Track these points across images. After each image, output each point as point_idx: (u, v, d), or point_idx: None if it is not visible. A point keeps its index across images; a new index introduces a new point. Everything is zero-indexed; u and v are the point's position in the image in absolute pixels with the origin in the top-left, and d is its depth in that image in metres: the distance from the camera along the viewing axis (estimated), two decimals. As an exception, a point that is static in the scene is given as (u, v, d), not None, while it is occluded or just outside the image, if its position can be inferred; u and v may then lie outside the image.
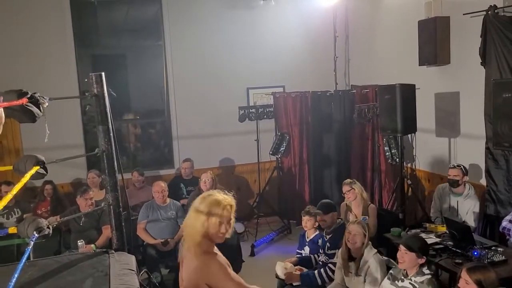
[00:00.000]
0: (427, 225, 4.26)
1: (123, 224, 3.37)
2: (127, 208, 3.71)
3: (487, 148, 4.41)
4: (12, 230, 2.52)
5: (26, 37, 5.69)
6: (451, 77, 4.95)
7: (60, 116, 5.43)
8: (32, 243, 2.27)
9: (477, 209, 4.30)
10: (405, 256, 3.10)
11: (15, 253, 4.65)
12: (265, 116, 6.50)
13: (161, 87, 6.56)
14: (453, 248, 3.67)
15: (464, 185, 4.34)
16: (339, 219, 4.14)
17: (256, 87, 6.64)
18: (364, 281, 3.42)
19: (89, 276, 2.86)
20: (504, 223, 3.85)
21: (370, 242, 3.55)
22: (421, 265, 3.12)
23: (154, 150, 7.12)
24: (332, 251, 3.89)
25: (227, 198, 2.22)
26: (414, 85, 4.66)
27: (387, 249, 4.18)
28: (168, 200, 5.04)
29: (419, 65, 5.10)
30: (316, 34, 6.74)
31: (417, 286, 3.06)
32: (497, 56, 4.18)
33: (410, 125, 4.61)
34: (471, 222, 4.23)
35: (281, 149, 6.22)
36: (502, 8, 4.15)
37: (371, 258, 3.45)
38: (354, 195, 4.63)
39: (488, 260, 3.33)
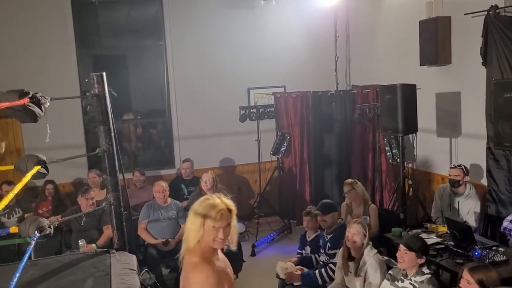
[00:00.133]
0: (428, 225, 4.26)
1: (124, 224, 3.37)
2: (128, 208, 3.72)
3: (488, 148, 4.41)
4: (13, 229, 2.53)
5: (27, 37, 5.70)
6: (452, 77, 4.95)
7: (61, 116, 5.44)
8: (33, 242, 2.28)
9: (478, 209, 4.29)
10: (404, 256, 3.10)
11: (16, 253, 4.66)
12: (266, 116, 6.50)
13: (162, 87, 6.56)
14: (454, 248, 3.67)
15: (465, 185, 4.33)
16: (340, 219, 4.13)
17: (257, 87, 6.64)
18: (364, 282, 3.41)
19: (90, 276, 2.86)
20: (505, 223, 3.85)
21: (370, 242, 3.55)
22: (421, 265, 3.12)
23: (155, 150, 7.12)
24: (333, 251, 3.89)
25: (224, 202, 2.10)
26: (415, 85, 4.66)
27: (388, 249, 4.18)
28: (169, 200, 5.04)
29: (420, 65, 5.10)
30: (317, 34, 6.74)
31: (417, 286, 3.06)
32: (498, 56, 4.18)
33: (411, 125, 4.61)
34: (472, 222, 4.23)
35: (282, 149, 6.22)
36: (503, 8, 4.15)
37: (371, 258, 3.44)
38: (355, 195, 4.63)
39: (489, 260, 3.33)
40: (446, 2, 4.88)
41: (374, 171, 6.11)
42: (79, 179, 5.97)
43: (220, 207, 2.05)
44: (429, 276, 3.06)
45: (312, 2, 6.61)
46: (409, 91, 4.59)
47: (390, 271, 3.34)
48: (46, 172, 2.55)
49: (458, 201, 4.35)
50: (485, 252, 3.44)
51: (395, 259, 3.36)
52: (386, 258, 3.70)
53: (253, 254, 5.60)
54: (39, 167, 2.51)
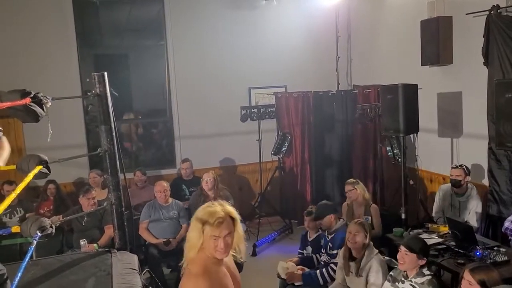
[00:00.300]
0: (429, 225, 4.26)
1: (125, 223, 3.38)
2: (130, 207, 3.73)
3: (489, 148, 4.40)
4: (15, 229, 2.53)
5: (29, 37, 5.70)
6: (453, 77, 4.94)
7: (63, 116, 5.44)
8: (35, 242, 2.28)
9: (479, 210, 4.29)
10: (405, 257, 3.09)
11: (18, 252, 4.66)
12: (267, 116, 6.50)
13: (163, 87, 6.57)
14: (455, 249, 3.67)
15: (467, 185, 4.33)
16: (341, 219, 4.13)
17: (258, 87, 6.64)
18: (366, 282, 3.41)
19: (92, 275, 2.87)
20: (507, 223, 3.84)
21: (371, 242, 3.55)
22: (421, 266, 3.11)
23: (156, 149, 7.13)
24: (334, 251, 3.89)
25: (225, 209, 1.98)
26: (416, 85, 4.65)
27: (389, 249, 4.18)
28: (170, 200, 5.04)
29: (422, 65, 5.09)
30: (318, 34, 6.73)
31: (418, 287, 3.06)
32: (500, 56, 4.18)
33: (412, 125, 4.60)
34: (473, 222, 4.22)
35: (283, 149, 6.22)
36: (505, 8, 4.14)
37: (373, 258, 3.44)
38: (355, 195, 4.63)
39: (491, 261, 3.33)
40: (448, 2, 4.87)
41: (375, 171, 6.11)
42: (80, 179, 5.97)
43: (219, 214, 1.95)
44: (429, 277, 3.06)
45: (314, 2, 6.60)
46: (411, 91, 4.58)
47: (391, 272, 3.33)
48: (47, 172, 2.55)
49: (460, 201, 4.35)
50: (486, 252, 3.44)
51: (396, 259, 3.36)
52: (387, 258, 3.70)
53: (254, 254, 5.60)
54: (40, 167, 2.52)
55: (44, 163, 2.50)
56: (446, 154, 5.11)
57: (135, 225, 4.80)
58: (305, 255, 4.30)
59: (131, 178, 5.66)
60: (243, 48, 6.49)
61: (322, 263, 4.03)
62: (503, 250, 3.56)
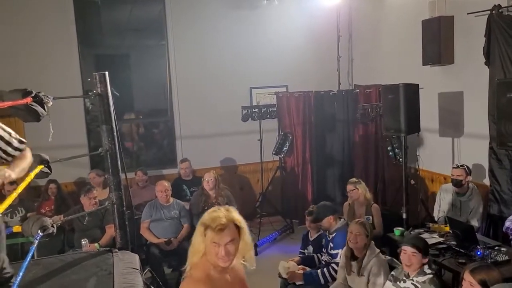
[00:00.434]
0: (431, 225, 4.26)
1: (126, 223, 3.38)
2: (131, 207, 3.73)
3: (490, 148, 4.40)
4: (16, 228, 2.54)
5: (30, 37, 5.71)
6: (455, 77, 4.94)
7: (64, 115, 5.44)
8: (36, 241, 2.29)
9: (480, 209, 4.29)
10: (413, 258, 3.07)
11: (19, 252, 4.67)
12: (268, 116, 6.49)
13: (164, 86, 6.57)
14: (456, 248, 3.68)
15: (468, 185, 4.32)
16: (341, 219, 4.12)
17: (259, 86, 6.64)
18: (368, 282, 3.41)
19: (93, 275, 2.87)
20: (508, 223, 3.84)
21: (373, 242, 3.54)
22: (422, 265, 3.12)
23: (157, 149, 7.13)
24: (335, 251, 3.88)
25: (229, 216, 1.91)
26: (417, 85, 4.65)
27: (390, 249, 4.17)
28: (171, 199, 5.05)
29: (423, 65, 5.09)
30: (319, 34, 6.73)
31: (419, 286, 3.06)
32: (501, 56, 4.18)
33: (413, 125, 4.60)
34: (474, 222, 4.22)
35: (284, 149, 6.21)
36: (506, 7, 4.14)
37: (374, 258, 3.44)
38: (357, 194, 4.63)
39: (492, 260, 3.33)
40: (449, 1, 4.87)
41: (376, 171, 6.10)
42: (81, 179, 5.98)
43: (221, 220, 1.87)
44: (431, 276, 3.06)
45: (315, 2, 6.60)
46: (412, 90, 4.58)
47: (392, 272, 3.33)
48: (49, 171, 2.56)
49: (461, 201, 4.35)
50: (487, 252, 3.44)
51: (398, 259, 3.36)
52: (388, 258, 3.70)
53: (255, 253, 5.58)
54: (42, 166, 2.53)
55: (45, 163, 2.51)
56: (447, 153, 5.11)
57: (136, 224, 4.80)
58: (306, 254, 4.30)
59: (132, 178, 5.66)
60: (244, 48, 6.49)
61: (323, 262, 4.03)
62: (504, 249, 3.56)
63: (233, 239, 1.90)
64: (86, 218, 4.73)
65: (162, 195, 4.96)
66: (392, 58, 5.98)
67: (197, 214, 5.11)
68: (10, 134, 2.28)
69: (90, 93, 3.37)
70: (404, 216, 4.59)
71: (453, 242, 3.77)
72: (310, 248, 4.30)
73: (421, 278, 3.07)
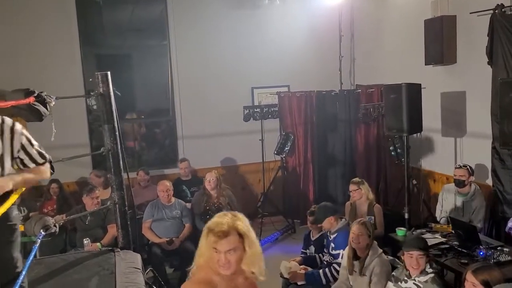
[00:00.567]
0: (433, 225, 4.25)
1: (128, 222, 3.39)
2: (133, 207, 3.73)
3: (493, 148, 4.39)
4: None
5: (32, 36, 5.71)
6: (457, 77, 4.93)
7: (66, 115, 5.43)
8: (39, 241, 2.29)
9: (483, 209, 4.27)
10: (420, 261, 3.08)
11: (22, 251, 4.67)
12: (269, 116, 6.49)
13: (166, 86, 6.57)
14: (458, 248, 3.67)
15: (470, 185, 4.31)
16: (343, 219, 4.11)
17: (261, 86, 6.63)
18: (370, 282, 3.40)
19: (95, 274, 2.88)
20: (510, 223, 3.83)
21: (375, 242, 3.54)
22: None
23: (159, 149, 7.13)
24: (337, 251, 3.88)
25: (232, 224, 1.83)
26: (420, 85, 4.64)
27: (392, 249, 4.17)
28: (173, 199, 5.05)
29: (425, 65, 5.08)
30: (321, 34, 6.72)
31: (422, 286, 3.05)
32: (504, 55, 4.16)
33: (416, 125, 4.59)
34: (477, 222, 4.21)
35: (286, 148, 6.20)
36: (509, 7, 4.13)
37: (376, 258, 3.43)
38: (359, 194, 4.62)
39: (494, 260, 3.32)
40: (452, 1, 4.86)
41: (378, 170, 6.09)
42: (83, 178, 5.98)
43: (221, 227, 1.81)
44: (432, 275, 3.06)
45: (317, 1, 6.58)
46: (414, 90, 4.57)
47: (393, 272, 3.33)
48: (52, 171, 2.56)
49: (463, 201, 4.34)
50: (490, 252, 3.43)
51: (400, 259, 3.35)
52: (390, 258, 3.69)
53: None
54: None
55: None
56: (450, 153, 5.09)
57: (138, 224, 4.81)
58: (308, 254, 4.30)
59: (134, 177, 5.66)
60: (246, 47, 6.49)
61: (325, 263, 4.02)
62: (507, 250, 3.54)
63: (235, 248, 1.81)
64: (88, 217, 4.73)
65: (164, 195, 4.96)
66: (394, 58, 5.97)
67: (199, 214, 5.11)
68: (33, 146, 2.27)
69: (92, 93, 3.38)
70: (406, 216, 4.58)
71: (456, 243, 3.76)
72: (312, 248, 4.29)
73: (423, 278, 3.06)
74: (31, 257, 2.24)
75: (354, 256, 3.53)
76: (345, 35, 6.74)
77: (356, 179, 4.77)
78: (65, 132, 5.03)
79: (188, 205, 5.27)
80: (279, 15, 6.59)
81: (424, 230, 4.15)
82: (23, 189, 2.20)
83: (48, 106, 2.52)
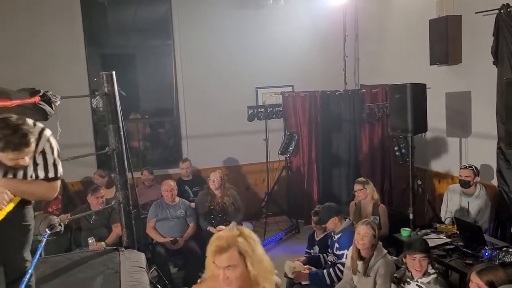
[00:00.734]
0: (438, 225, 4.23)
1: (133, 222, 3.40)
2: (137, 206, 3.75)
3: (499, 148, 4.36)
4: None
5: (38, 36, 5.73)
6: (462, 77, 4.91)
7: (71, 115, 5.46)
8: (44, 240, 2.30)
9: (488, 210, 4.25)
10: (423, 263, 3.07)
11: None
12: (274, 116, 6.48)
13: (170, 86, 6.58)
14: (463, 249, 3.65)
15: (475, 185, 4.29)
16: (347, 219, 4.11)
17: (265, 86, 6.63)
18: (375, 283, 3.39)
19: (100, 274, 2.89)
20: (516, 224, 3.81)
21: (380, 243, 3.53)
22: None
23: (163, 149, 7.14)
24: (341, 252, 3.87)
25: (230, 239, 1.76)
26: (425, 85, 4.62)
27: (397, 249, 4.16)
28: (177, 199, 5.06)
29: (430, 65, 5.06)
30: (326, 33, 6.71)
31: (424, 287, 3.04)
32: (510, 55, 4.14)
33: (420, 125, 4.57)
34: (482, 222, 4.19)
35: (290, 148, 6.20)
36: (514, 6, 4.11)
37: (381, 259, 3.42)
38: (364, 194, 4.61)
39: (499, 261, 3.31)
40: (457, 0, 4.84)
41: (383, 171, 6.08)
42: (88, 178, 6.00)
43: (219, 242, 1.75)
44: (435, 276, 3.05)
45: (321, 1, 6.58)
46: (419, 90, 4.55)
47: (395, 274, 3.31)
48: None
49: (468, 202, 4.32)
50: (495, 252, 3.41)
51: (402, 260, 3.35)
52: (395, 258, 3.69)
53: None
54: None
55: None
56: (455, 154, 5.07)
57: (143, 224, 4.82)
58: (312, 254, 4.30)
59: (139, 177, 5.68)
60: (250, 47, 6.49)
61: (329, 263, 4.02)
62: (512, 250, 3.53)
63: (234, 265, 1.74)
64: (93, 217, 4.74)
65: (168, 195, 4.97)
66: (398, 58, 5.95)
67: (203, 214, 5.12)
68: (53, 154, 2.26)
69: (96, 93, 3.39)
70: (411, 216, 4.56)
71: (461, 243, 3.75)
72: (316, 248, 4.29)
73: (426, 279, 3.05)
74: (37, 256, 2.26)
75: (358, 256, 3.52)
76: (350, 35, 6.72)
77: (361, 178, 4.76)
78: (70, 131, 5.04)
79: (193, 204, 5.28)
80: (283, 15, 6.58)
81: (428, 231, 4.14)
82: (19, 199, 2.18)
83: (53, 106, 2.54)
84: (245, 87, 6.54)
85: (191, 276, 4.30)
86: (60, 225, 2.48)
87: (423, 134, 5.02)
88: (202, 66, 6.36)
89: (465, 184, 4.27)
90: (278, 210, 6.38)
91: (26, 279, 2.14)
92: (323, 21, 6.69)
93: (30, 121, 2.09)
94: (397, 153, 5.46)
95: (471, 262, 3.40)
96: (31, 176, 2.21)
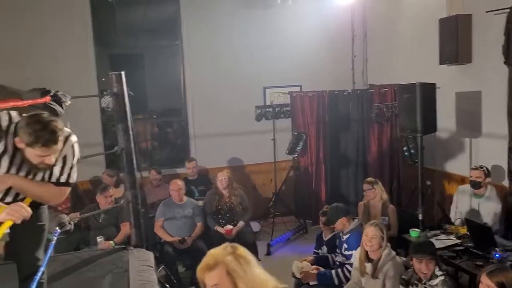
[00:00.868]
0: (447, 226, 4.20)
1: (141, 221, 3.41)
2: (145, 205, 3.76)
3: (509, 148, 4.32)
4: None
5: (47, 37, 5.77)
6: (472, 76, 4.86)
7: (80, 114, 5.48)
8: (55, 238, 2.32)
9: (499, 211, 4.20)
10: (430, 265, 3.06)
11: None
12: (282, 116, 6.48)
13: (178, 86, 6.59)
14: (473, 250, 3.62)
15: (486, 186, 4.25)
16: (355, 220, 4.09)
17: (273, 86, 6.62)
18: (383, 285, 3.36)
19: (109, 272, 2.90)
20: (527, 225, 3.77)
21: (389, 244, 3.50)
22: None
23: (171, 149, 7.16)
24: (349, 252, 3.85)
25: (217, 258, 1.70)
26: (434, 84, 4.58)
27: (406, 250, 4.12)
28: (185, 198, 5.07)
29: (440, 64, 5.02)
30: (334, 33, 6.69)
31: (432, 290, 3.03)
32: (521, 55, 4.10)
33: (430, 125, 4.53)
34: (492, 223, 4.14)
35: (298, 148, 6.18)
36: (526, 5, 4.06)
37: (390, 261, 3.39)
38: (373, 194, 4.59)
39: (510, 263, 3.27)
40: (467, -1, 4.80)
41: (392, 171, 6.04)
42: (96, 177, 6.03)
43: (207, 259, 1.71)
44: (442, 278, 3.03)
45: (329, 1, 6.55)
46: (428, 90, 4.51)
47: (403, 276, 3.29)
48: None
49: (479, 203, 4.27)
50: (506, 254, 3.38)
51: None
52: (404, 259, 3.66)
53: (268, 253, 5.59)
54: None
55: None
56: (465, 154, 5.03)
57: (151, 223, 4.83)
58: (320, 254, 4.28)
59: (147, 177, 5.69)
60: (258, 47, 6.48)
61: (337, 263, 4.00)
62: (524, 252, 3.49)
63: (220, 285, 1.66)
64: (102, 216, 4.77)
65: (176, 194, 4.98)
66: (407, 57, 5.91)
67: (210, 213, 5.12)
68: (72, 160, 2.31)
69: (105, 93, 3.41)
70: (420, 217, 4.53)
71: (471, 244, 3.72)
72: (324, 249, 4.28)
73: (433, 281, 3.04)
74: (49, 254, 2.28)
75: (366, 258, 3.50)
76: (358, 34, 6.70)
77: (370, 178, 4.74)
78: (79, 131, 5.06)
79: (200, 203, 5.28)
80: (291, 14, 6.57)
81: (438, 232, 4.11)
82: (30, 200, 2.19)
83: (63, 105, 2.55)
84: (253, 87, 6.53)
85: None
86: (70, 223, 2.50)
87: (433, 134, 4.98)
88: (210, 66, 6.36)
89: (475, 185, 4.23)
90: (285, 210, 6.37)
91: (38, 277, 2.16)
92: (331, 20, 6.66)
93: (60, 122, 2.11)
94: (406, 154, 5.42)
95: (481, 263, 3.37)
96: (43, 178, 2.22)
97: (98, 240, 4.32)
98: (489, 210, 4.20)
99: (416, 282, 3.13)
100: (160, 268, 3.91)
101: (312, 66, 6.60)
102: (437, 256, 3.13)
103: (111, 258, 3.18)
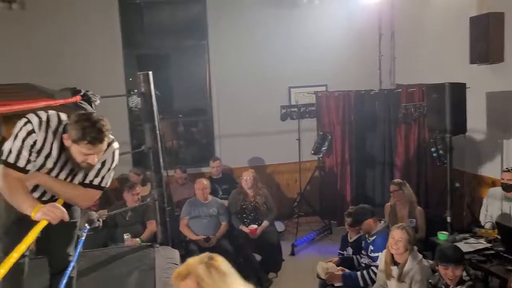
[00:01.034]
0: (477, 229, 4.09)
1: (167, 219, 3.46)
2: (171, 204, 3.81)
3: (543, 150, 4.17)
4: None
5: (77, 37, 5.90)
6: (504, 76, 4.72)
7: (108, 113, 5.58)
8: (84, 235, 2.38)
9: (531, 214, 4.08)
10: (456, 272, 2.98)
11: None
12: (307, 115, 6.44)
13: (203, 86, 6.64)
14: (504, 254, 3.52)
15: (518, 189, 4.12)
16: (382, 221, 4.03)
17: (298, 86, 6.59)
18: (409, 288, 3.30)
19: (136, 269, 2.96)
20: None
21: (415, 248, 3.43)
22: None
23: (196, 148, 7.22)
24: (375, 254, 3.80)
25: (189, 267, 1.66)
26: (464, 84, 4.47)
27: (433, 253, 4.03)
28: (210, 197, 5.10)
29: (470, 63, 4.89)
30: (360, 32, 6.60)
31: (459, 296, 2.95)
32: (556, 53, 3.95)
33: (459, 126, 4.42)
34: (525, 227, 4.01)
35: (323, 148, 6.14)
36: (562, 2, 3.91)
37: (417, 265, 3.32)
38: (400, 196, 4.51)
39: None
40: (499, -3, 4.66)
41: (419, 172, 5.92)
42: (124, 175, 6.14)
43: (181, 267, 1.69)
44: (470, 283, 2.95)
45: (356, 0, 6.48)
46: (458, 90, 4.40)
47: (430, 280, 3.21)
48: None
49: (510, 206, 4.15)
50: (539, 259, 3.27)
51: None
52: (431, 262, 3.58)
53: (292, 253, 5.57)
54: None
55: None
56: (496, 156, 4.89)
57: (176, 221, 4.89)
58: (345, 256, 4.24)
59: (172, 175, 5.75)
60: (284, 47, 6.46)
61: (363, 265, 3.95)
62: (558, 258, 3.37)
63: None
64: (129, 213, 4.85)
65: (201, 193, 5.02)
66: (436, 56, 5.78)
67: (235, 213, 5.15)
68: (110, 165, 2.33)
69: (132, 93, 3.48)
70: (448, 220, 4.43)
71: (501, 248, 3.61)
72: (350, 250, 4.23)
73: (461, 287, 2.95)
74: (79, 250, 2.34)
75: (392, 261, 3.44)
76: (385, 33, 6.60)
77: (398, 180, 4.67)
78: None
79: (225, 202, 5.31)
80: (317, 14, 6.52)
81: (467, 235, 4.01)
82: (62, 202, 2.25)
83: (93, 105, 2.61)
84: (278, 87, 6.52)
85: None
86: (98, 220, 2.56)
87: (462, 135, 4.85)
88: (235, 65, 6.39)
89: (507, 187, 4.11)
90: (310, 210, 6.34)
91: (69, 272, 2.22)
92: (358, 19, 6.58)
93: (108, 123, 2.16)
94: (434, 154, 5.30)
95: (512, 268, 3.27)
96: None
97: (125, 237, 4.40)
98: (521, 213, 4.08)
99: (443, 287, 3.06)
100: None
101: (338, 65, 6.53)
102: (464, 262, 3.04)
103: (138, 255, 3.24)
